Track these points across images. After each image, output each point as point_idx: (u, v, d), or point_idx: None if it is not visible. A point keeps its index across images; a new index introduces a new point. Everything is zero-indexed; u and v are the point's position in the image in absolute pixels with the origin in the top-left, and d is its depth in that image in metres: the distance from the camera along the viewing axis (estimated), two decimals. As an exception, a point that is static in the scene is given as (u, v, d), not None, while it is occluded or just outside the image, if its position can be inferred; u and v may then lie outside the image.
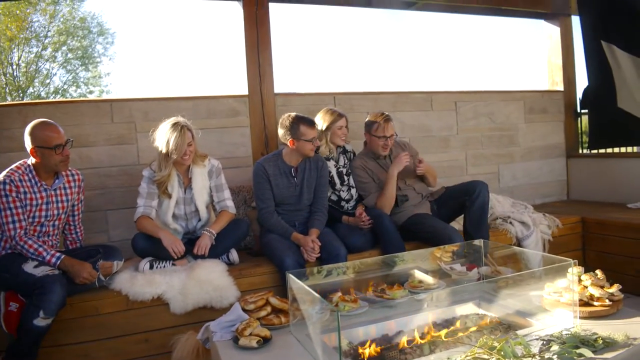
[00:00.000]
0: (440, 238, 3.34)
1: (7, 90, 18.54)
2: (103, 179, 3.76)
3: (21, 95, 18.51)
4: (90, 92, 20.43)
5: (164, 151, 3.14)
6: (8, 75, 18.80)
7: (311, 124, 3.37)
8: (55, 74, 20.36)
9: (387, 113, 3.71)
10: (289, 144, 3.40)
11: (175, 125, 3.13)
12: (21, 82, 19.03)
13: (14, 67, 18.88)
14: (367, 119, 3.78)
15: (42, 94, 19.34)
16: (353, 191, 3.78)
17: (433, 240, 3.37)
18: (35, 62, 19.44)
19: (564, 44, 5.53)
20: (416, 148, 4.11)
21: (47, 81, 19.93)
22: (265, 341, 2.26)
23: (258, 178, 3.44)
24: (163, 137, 3.13)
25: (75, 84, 20.49)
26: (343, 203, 3.76)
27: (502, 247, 3.06)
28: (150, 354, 2.95)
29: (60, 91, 19.85)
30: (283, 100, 4.27)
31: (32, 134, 2.80)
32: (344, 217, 3.68)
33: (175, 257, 3.12)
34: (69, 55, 20.15)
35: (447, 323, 2.45)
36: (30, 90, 19.20)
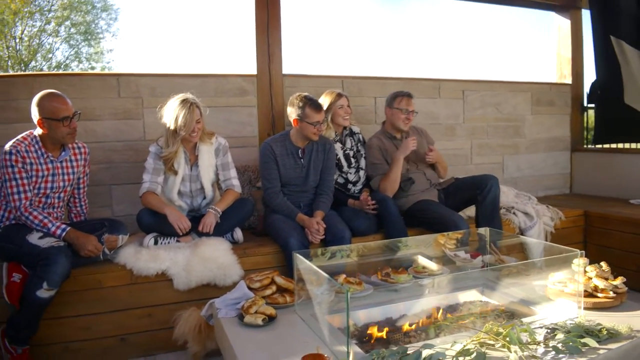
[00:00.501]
0: (446, 224, 3.34)
1: (10, 63, 18.43)
2: (108, 154, 3.75)
3: (23, 68, 18.39)
4: (92, 68, 20.30)
5: (171, 127, 3.12)
6: (11, 48, 18.66)
7: (318, 107, 3.35)
8: (58, 48, 20.24)
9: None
10: (293, 122, 3.40)
11: (184, 101, 3.11)
12: (23, 56, 18.90)
13: (17, 40, 18.75)
14: (389, 95, 3.82)
15: (45, 68, 19.23)
16: (361, 173, 3.79)
17: (438, 227, 3.36)
18: (38, 36, 19.32)
19: (573, 37, 5.50)
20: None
21: (50, 55, 19.82)
22: (270, 319, 2.27)
23: (265, 158, 3.42)
24: (171, 113, 3.11)
25: (77, 59, 20.37)
26: (350, 186, 3.76)
27: (508, 236, 3.06)
28: (153, 328, 2.95)
29: (62, 66, 19.70)
30: (291, 82, 4.25)
31: (39, 104, 2.77)
32: (350, 200, 3.67)
33: (181, 234, 3.11)
34: (72, 30, 20.02)
35: (451, 309, 2.47)
36: (33, 64, 19.08)
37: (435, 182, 3.88)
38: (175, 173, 3.21)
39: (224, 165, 3.36)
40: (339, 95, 3.73)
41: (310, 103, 3.33)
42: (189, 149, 3.27)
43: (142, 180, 3.21)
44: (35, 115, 2.78)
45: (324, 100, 3.73)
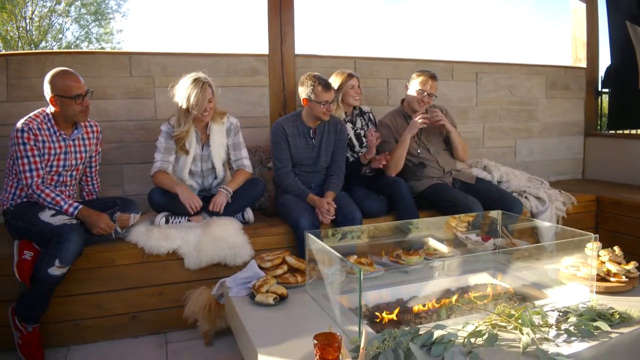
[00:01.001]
0: (460, 208, 3.32)
1: (20, 44, 18.43)
2: (120, 133, 3.75)
3: (34, 48, 18.38)
4: (102, 49, 20.28)
5: (183, 107, 3.10)
6: (21, 29, 18.68)
7: (327, 87, 3.32)
8: (68, 28, 20.29)
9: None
10: (303, 102, 3.39)
11: (196, 80, 3.09)
12: (34, 36, 18.91)
13: (27, 20, 18.76)
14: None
15: (55, 48, 19.23)
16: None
17: (452, 210, 3.33)
18: (48, 17, 19.31)
19: (589, 20, 5.40)
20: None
21: (60, 36, 19.84)
22: (281, 299, 2.27)
23: (276, 138, 3.42)
24: (183, 92, 3.09)
25: (87, 40, 20.38)
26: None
27: (520, 220, 3.04)
28: (164, 306, 2.97)
29: (72, 46, 19.73)
30: (303, 62, 4.22)
31: (52, 82, 2.75)
32: (362, 154, 3.61)
33: (192, 213, 3.12)
34: (82, 10, 20.00)
35: (462, 291, 2.46)
36: (43, 44, 19.10)
37: (450, 169, 3.79)
38: (187, 152, 3.21)
39: (235, 145, 3.35)
40: (350, 76, 3.72)
41: (320, 82, 3.31)
42: (200, 129, 3.26)
43: (153, 160, 3.21)
44: (47, 92, 2.77)
45: (335, 81, 3.71)
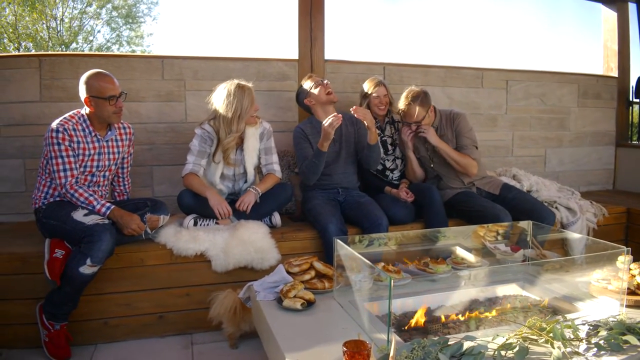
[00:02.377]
0: (489, 217, 3.29)
1: (50, 44, 18.77)
2: (151, 135, 3.81)
3: (64, 49, 18.72)
4: (132, 52, 20.58)
5: (229, 115, 3.14)
6: (51, 29, 19.02)
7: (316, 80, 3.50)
8: (99, 31, 20.63)
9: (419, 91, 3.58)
10: (307, 102, 3.55)
11: (241, 87, 3.15)
12: (64, 37, 19.25)
13: (58, 21, 19.10)
14: None
15: (86, 50, 19.58)
16: (398, 162, 3.78)
17: (480, 219, 3.30)
18: (79, 18, 19.65)
19: (620, 30, 5.32)
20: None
21: (91, 38, 20.19)
22: (309, 304, 2.28)
23: (297, 139, 3.48)
24: (230, 99, 3.13)
25: (118, 42, 20.70)
26: (387, 172, 3.77)
27: (551, 231, 3.00)
28: (191, 307, 3.00)
29: (103, 48, 20.06)
30: (332, 67, 4.24)
31: (87, 83, 2.81)
32: (387, 187, 3.66)
33: (220, 218, 3.15)
34: (114, 13, 20.33)
35: (491, 302, 2.44)
36: (74, 45, 19.42)
37: (469, 181, 3.70)
38: (233, 164, 3.28)
39: (266, 150, 3.38)
40: (377, 84, 3.71)
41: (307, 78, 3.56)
42: None
43: (185, 161, 3.25)
44: (82, 93, 2.83)
45: (365, 86, 3.75)
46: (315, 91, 3.48)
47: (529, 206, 3.49)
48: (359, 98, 3.82)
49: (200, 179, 3.22)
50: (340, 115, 3.14)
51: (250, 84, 3.22)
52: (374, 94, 3.69)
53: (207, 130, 3.23)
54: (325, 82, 3.49)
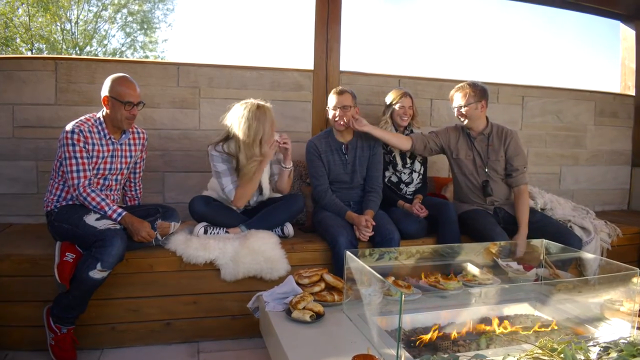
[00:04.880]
0: (486, 238, 3.26)
1: (64, 47, 18.95)
2: (164, 141, 3.86)
3: (78, 52, 18.95)
4: (146, 57, 20.75)
5: (250, 139, 3.11)
6: (66, 32, 19.23)
7: (339, 92, 3.48)
8: (114, 35, 20.79)
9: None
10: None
11: (261, 108, 3.13)
12: (78, 40, 19.45)
13: (72, 24, 19.31)
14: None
15: (100, 54, 19.80)
16: (415, 175, 3.77)
17: (478, 240, 3.31)
18: (94, 22, 19.86)
19: (638, 48, 5.33)
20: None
21: (105, 42, 20.39)
22: (318, 316, 2.30)
23: (310, 155, 3.50)
24: (250, 122, 3.10)
25: (132, 47, 20.90)
26: (402, 186, 3.77)
27: (565, 250, 3.00)
28: (198, 315, 3.02)
29: (117, 53, 20.28)
30: (348, 79, 4.27)
31: (111, 83, 2.88)
32: (400, 201, 3.67)
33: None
34: (129, 18, 20.55)
35: (502, 320, 2.44)
36: (88, 49, 19.62)
37: (499, 199, 3.66)
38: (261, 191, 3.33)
39: (280, 160, 3.38)
40: (404, 95, 3.72)
41: (334, 90, 3.50)
42: None
43: (222, 187, 3.23)
44: (104, 91, 2.89)
45: (389, 97, 3.76)
46: (330, 113, 3.49)
47: (554, 229, 3.47)
48: (372, 111, 3.85)
49: (244, 187, 3.22)
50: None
51: (269, 104, 3.18)
52: (398, 104, 3.69)
53: (222, 152, 3.20)
54: (338, 107, 3.43)
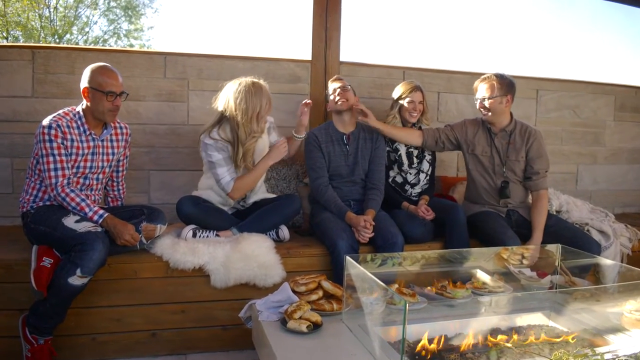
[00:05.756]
0: (496, 242, 3.27)
1: (42, 34, 18.90)
2: (149, 137, 3.86)
3: (57, 41, 18.92)
4: (131, 46, 20.78)
5: (247, 114, 3.16)
6: (44, 18, 19.18)
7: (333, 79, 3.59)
8: (96, 22, 20.83)
9: None
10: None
11: (256, 85, 3.20)
12: (58, 27, 19.42)
13: (52, 10, 19.28)
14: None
15: (81, 42, 19.76)
16: (422, 176, 3.77)
17: (488, 244, 3.32)
18: (74, 8, 19.83)
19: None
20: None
21: (87, 29, 20.38)
22: (315, 327, 2.29)
23: (309, 146, 3.52)
24: (248, 96, 3.16)
25: (116, 35, 20.93)
26: (407, 187, 3.77)
27: (582, 256, 3.00)
28: (186, 326, 3.02)
29: (100, 41, 20.25)
30: (348, 70, 4.27)
31: (90, 73, 2.87)
32: (405, 203, 3.66)
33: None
34: (112, 3, 20.53)
35: (514, 331, 2.44)
36: (67, 37, 19.61)
37: (514, 201, 3.68)
38: (251, 168, 3.30)
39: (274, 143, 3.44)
40: (414, 89, 3.68)
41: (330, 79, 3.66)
42: None
43: (218, 178, 3.25)
44: (83, 82, 2.88)
45: (398, 89, 3.74)
46: (331, 97, 3.55)
47: (570, 234, 3.47)
48: (374, 105, 3.84)
49: (243, 176, 3.27)
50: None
51: (264, 83, 3.25)
52: (408, 98, 3.67)
53: (217, 139, 3.22)
54: (338, 87, 3.51)
